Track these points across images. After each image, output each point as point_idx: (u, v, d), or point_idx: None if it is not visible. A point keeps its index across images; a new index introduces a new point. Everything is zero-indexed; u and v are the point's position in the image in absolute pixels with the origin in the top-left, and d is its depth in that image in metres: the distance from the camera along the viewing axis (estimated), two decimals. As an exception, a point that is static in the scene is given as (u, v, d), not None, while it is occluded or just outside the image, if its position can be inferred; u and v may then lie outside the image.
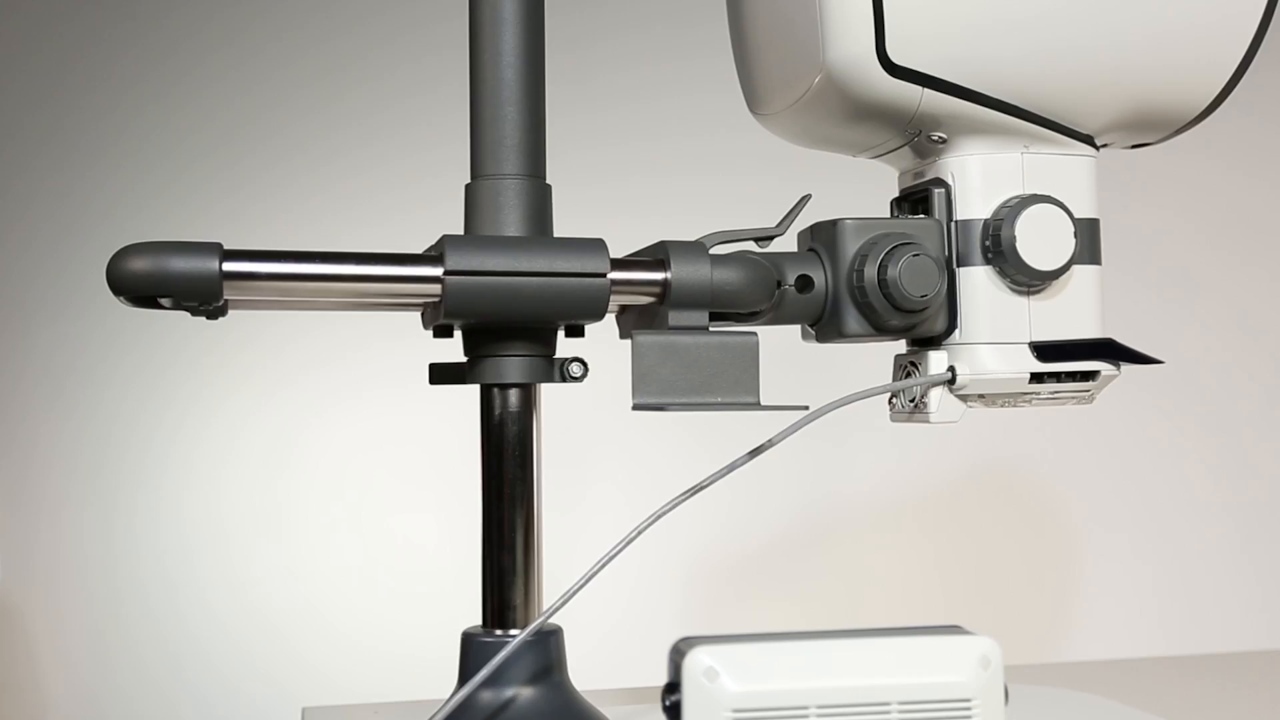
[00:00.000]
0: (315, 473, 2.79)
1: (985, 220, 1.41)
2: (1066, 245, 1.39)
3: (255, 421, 2.76)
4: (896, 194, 1.52)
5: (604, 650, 2.64)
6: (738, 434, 2.80)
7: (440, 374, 1.45)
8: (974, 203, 1.42)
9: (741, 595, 2.88)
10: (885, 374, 1.49)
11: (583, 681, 1.51)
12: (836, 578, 2.95)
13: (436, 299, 1.32)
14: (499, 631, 1.45)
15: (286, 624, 2.80)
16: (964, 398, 1.43)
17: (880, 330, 1.40)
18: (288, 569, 2.83)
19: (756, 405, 1.32)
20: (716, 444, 2.83)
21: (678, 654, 1.14)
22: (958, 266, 1.41)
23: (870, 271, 1.36)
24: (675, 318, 1.35)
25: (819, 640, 1.10)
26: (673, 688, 1.14)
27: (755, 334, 1.36)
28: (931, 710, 1.08)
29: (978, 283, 1.41)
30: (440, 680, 1.52)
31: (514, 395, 1.41)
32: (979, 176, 1.42)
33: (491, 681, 1.44)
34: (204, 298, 1.26)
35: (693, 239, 1.37)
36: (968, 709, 1.08)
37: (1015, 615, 3.02)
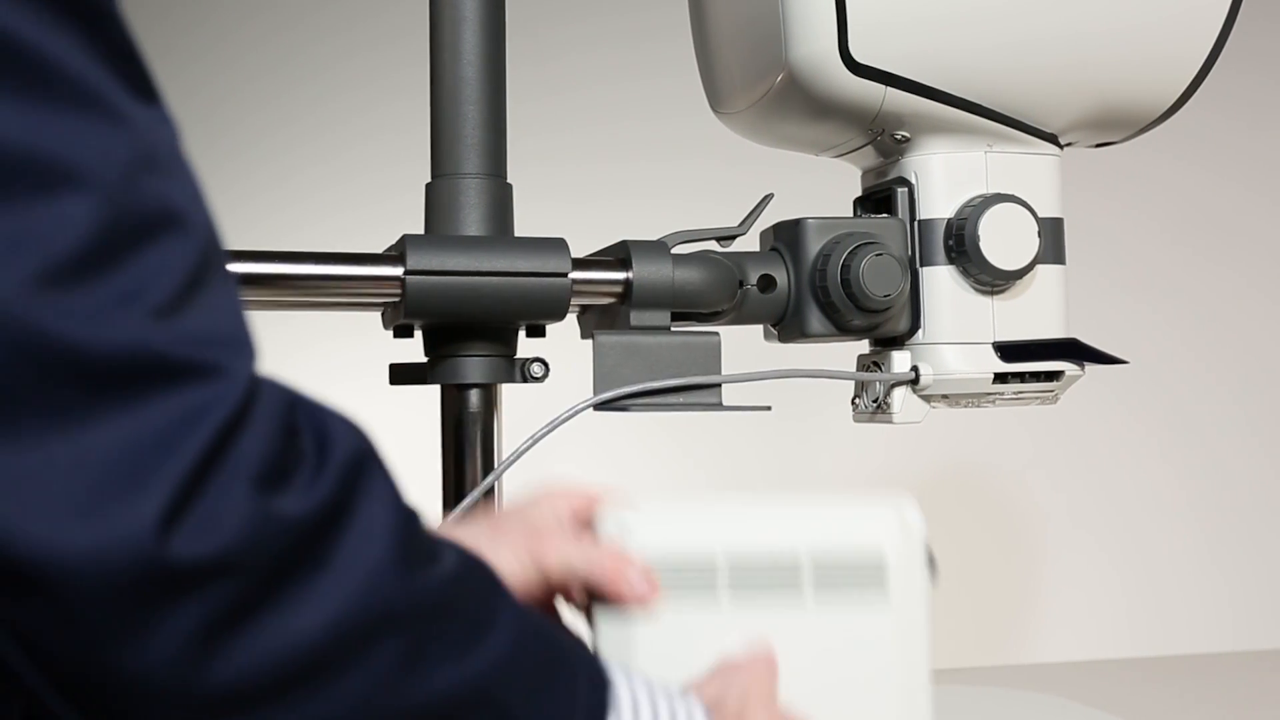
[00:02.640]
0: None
1: (948, 219, 1.40)
2: (1030, 244, 1.39)
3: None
4: (859, 193, 1.51)
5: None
6: (700, 433, 2.80)
7: (400, 374, 1.43)
8: (937, 202, 1.41)
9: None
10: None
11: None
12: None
13: (397, 299, 1.31)
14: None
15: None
16: (927, 398, 1.42)
17: (843, 330, 1.39)
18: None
19: (719, 406, 1.31)
20: (679, 444, 2.83)
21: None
22: (921, 266, 1.41)
23: (833, 271, 1.35)
24: (637, 318, 1.34)
25: (734, 501, 1.03)
26: None
27: (718, 334, 1.35)
28: (846, 573, 1.00)
29: (941, 282, 1.40)
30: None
31: (474, 395, 1.40)
32: (942, 175, 1.41)
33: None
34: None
35: (654, 236, 1.36)
36: (883, 572, 1.01)
37: (984, 615, 3.01)
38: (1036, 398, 1.45)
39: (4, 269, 0.62)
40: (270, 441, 0.70)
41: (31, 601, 0.65)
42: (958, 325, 1.40)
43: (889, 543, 1.01)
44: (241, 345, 0.71)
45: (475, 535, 0.97)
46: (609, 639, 0.99)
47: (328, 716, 0.72)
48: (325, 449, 0.74)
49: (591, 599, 1.00)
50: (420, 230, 1.40)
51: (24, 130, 0.64)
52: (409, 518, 0.78)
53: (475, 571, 0.82)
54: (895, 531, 1.01)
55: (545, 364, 1.40)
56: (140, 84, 0.71)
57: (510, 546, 0.98)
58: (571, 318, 1.39)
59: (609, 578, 0.98)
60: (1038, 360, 1.42)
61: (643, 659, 0.98)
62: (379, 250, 1.34)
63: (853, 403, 1.48)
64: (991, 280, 1.39)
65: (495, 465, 1.40)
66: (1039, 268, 1.40)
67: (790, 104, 1.41)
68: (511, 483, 1.43)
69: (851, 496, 1.03)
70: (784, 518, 1.02)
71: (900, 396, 1.41)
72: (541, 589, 0.99)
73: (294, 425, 0.72)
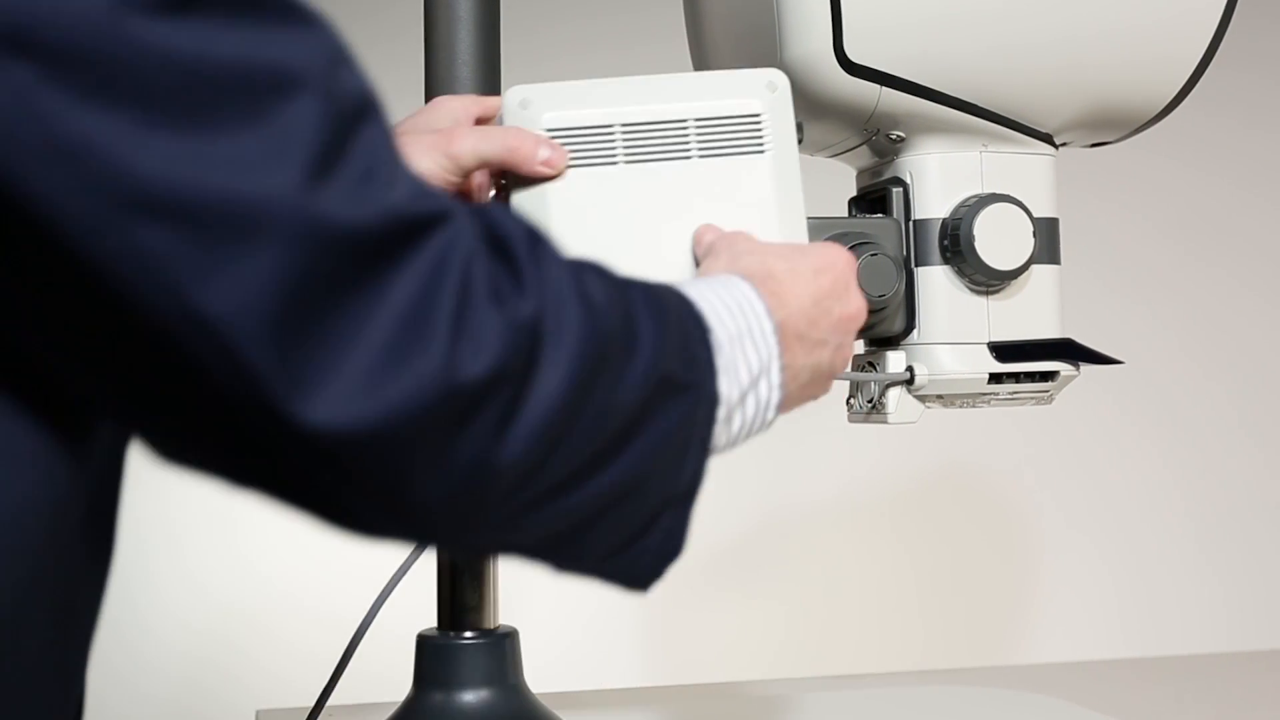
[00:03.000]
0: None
1: (944, 219, 1.40)
2: (1025, 244, 1.38)
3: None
4: (854, 193, 1.51)
5: (562, 652, 2.62)
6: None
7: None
8: (932, 202, 1.41)
9: (702, 598, 2.87)
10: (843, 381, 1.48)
11: (540, 684, 1.50)
12: (799, 578, 2.95)
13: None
14: (454, 634, 1.44)
15: (240, 626, 2.78)
16: (922, 398, 1.42)
17: (838, 330, 1.39)
18: (240, 570, 2.81)
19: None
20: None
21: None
22: (916, 266, 1.41)
23: (828, 271, 1.35)
24: (631, 317, 1.33)
25: (625, 78, 1.19)
26: None
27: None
28: (726, 127, 1.17)
29: (936, 282, 1.40)
30: (396, 683, 1.50)
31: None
32: (937, 175, 1.41)
33: (445, 684, 1.42)
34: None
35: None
36: (758, 125, 1.18)
37: (978, 616, 3.01)
38: (1032, 398, 1.45)
39: (278, 172, 0.72)
40: (488, 260, 0.80)
41: (362, 467, 0.76)
42: (953, 325, 1.40)
43: (760, 100, 1.19)
44: (436, 189, 0.82)
45: None
46: (527, 213, 1.10)
47: (580, 449, 0.84)
48: (510, 245, 0.83)
49: (503, 184, 1.15)
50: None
51: (257, 49, 0.72)
52: (573, 266, 0.88)
53: (605, 273, 0.91)
54: (764, 91, 1.19)
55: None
56: None
57: (422, 150, 1.10)
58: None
59: (520, 153, 1.12)
60: (1033, 360, 1.41)
61: (558, 225, 1.12)
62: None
63: (847, 403, 1.48)
64: (986, 280, 1.39)
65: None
66: (1034, 268, 1.40)
67: (785, 104, 1.41)
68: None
69: (725, 72, 1.23)
70: (669, 88, 1.18)
71: (895, 397, 1.41)
72: (457, 186, 1.12)
73: (490, 239, 0.83)
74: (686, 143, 1.17)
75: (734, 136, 1.18)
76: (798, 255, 1.08)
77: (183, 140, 0.70)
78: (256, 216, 0.71)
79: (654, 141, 1.16)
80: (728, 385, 0.96)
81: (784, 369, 1.02)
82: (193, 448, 0.79)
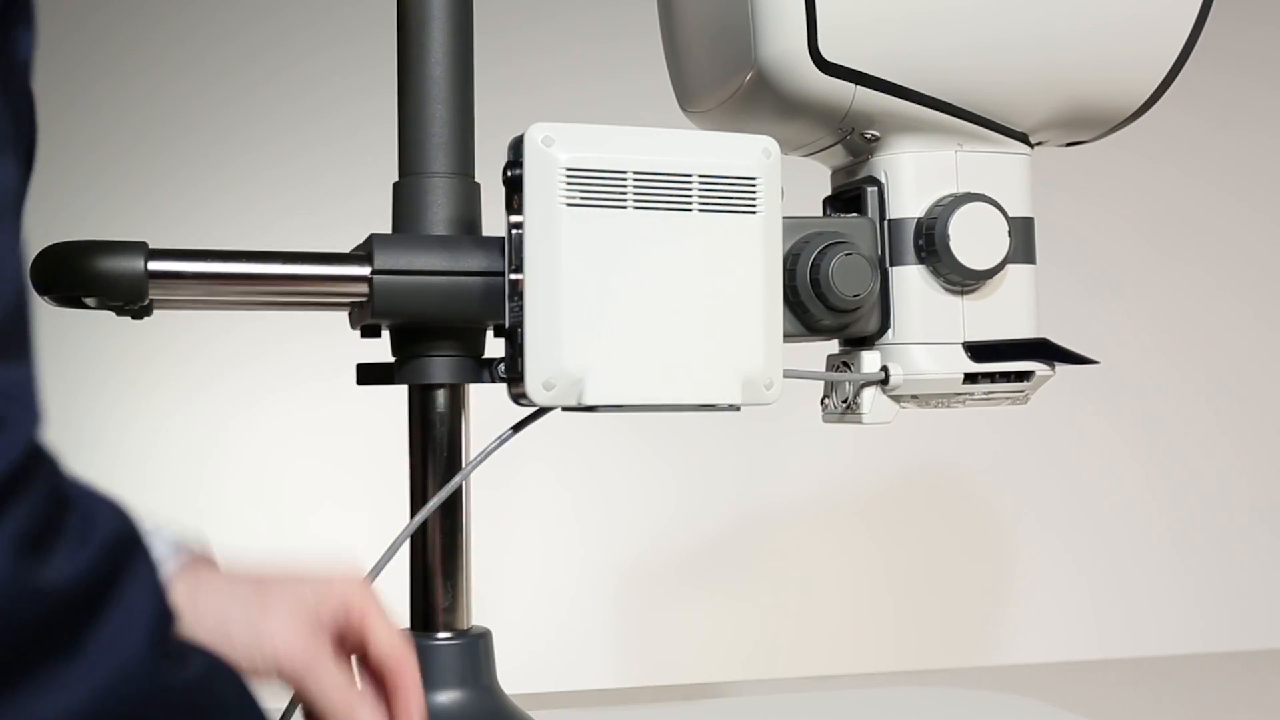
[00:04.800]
0: (238, 474, 2.76)
1: (918, 219, 1.40)
2: (1001, 244, 1.38)
3: (177, 421, 2.73)
4: (829, 192, 1.51)
5: (536, 653, 2.62)
6: (668, 433, 2.79)
7: (368, 374, 1.42)
8: (907, 201, 1.41)
9: (676, 599, 2.87)
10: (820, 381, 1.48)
11: (513, 685, 1.49)
12: (774, 579, 2.94)
13: (364, 299, 1.30)
14: (426, 634, 1.44)
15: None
16: (897, 398, 1.41)
17: (813, 330, 1.38)
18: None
19: (697, 405, 1.30)
20: (647, 444, 2.83)
21: (518, 137, 1.25)
22: (890, 266, 1.40)
23: (802, 270, 1.35)
24: (605, 317, 1.33)
25: (639, 128, 1.28)
26: (513, 164, 1.25)
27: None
28: (725, 185, 1.27)
29: (911, 282, 1.40)
30: (368, 685, 1.49)
31: (442, 396, 1.39)
32: (912, 175, 1.41)
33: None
34: (130, 297, 1.24)
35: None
36: (753, 188, 1.28)
37: (952, 616, 3.01)
38: (1007, 398, 1.45)
39: None
40: (39, 505, 0.66)
41: None
42: (928, 325, 1.40)
43: (758, 165, 1.28)
44: (28, 407, 0.67)
45: (243, 596, 0.93)
46: (538, 247, 1.22)
47: None
48: (91, 525, 0.69)
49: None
50: (388, 229, 1.40)
51: None
52: (168, 612, 0.73)
53: (223, 676, 0.80)
54: (760, 157, 1.29)
55: (513, 364, 1.40)
56: None
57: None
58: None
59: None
60: (1008, 360, 1.41)
61: (567, 258, 1.22)
62: (346, 250, 1.33)
63: (822, 403, 1.48)
64: (962, 280, 1.39)
65: (462, 466, 1.40)
66: (1009, 267, 1.40)
67: (759, 103, 1.40)
68: (480, 483, 1.43)
69: (726, 134, 1.32)
70: (678, 143, 1.28)
71: (870, 397, 1.41)
72: None
73: (65, 497, 0.69)
74: (689, 196, 1.26)
75: (731, 196, 1.27)
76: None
77: None
78: None
79: (661, 191, 1.25)
80: None
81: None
82: None
